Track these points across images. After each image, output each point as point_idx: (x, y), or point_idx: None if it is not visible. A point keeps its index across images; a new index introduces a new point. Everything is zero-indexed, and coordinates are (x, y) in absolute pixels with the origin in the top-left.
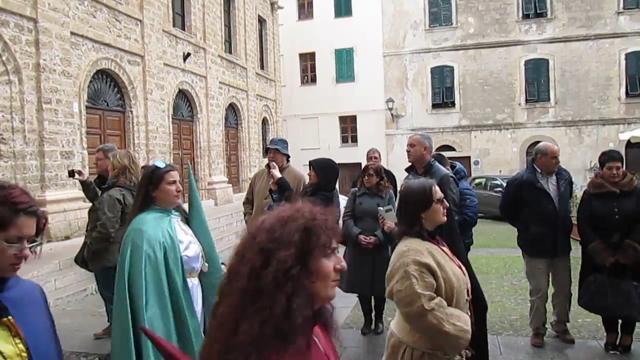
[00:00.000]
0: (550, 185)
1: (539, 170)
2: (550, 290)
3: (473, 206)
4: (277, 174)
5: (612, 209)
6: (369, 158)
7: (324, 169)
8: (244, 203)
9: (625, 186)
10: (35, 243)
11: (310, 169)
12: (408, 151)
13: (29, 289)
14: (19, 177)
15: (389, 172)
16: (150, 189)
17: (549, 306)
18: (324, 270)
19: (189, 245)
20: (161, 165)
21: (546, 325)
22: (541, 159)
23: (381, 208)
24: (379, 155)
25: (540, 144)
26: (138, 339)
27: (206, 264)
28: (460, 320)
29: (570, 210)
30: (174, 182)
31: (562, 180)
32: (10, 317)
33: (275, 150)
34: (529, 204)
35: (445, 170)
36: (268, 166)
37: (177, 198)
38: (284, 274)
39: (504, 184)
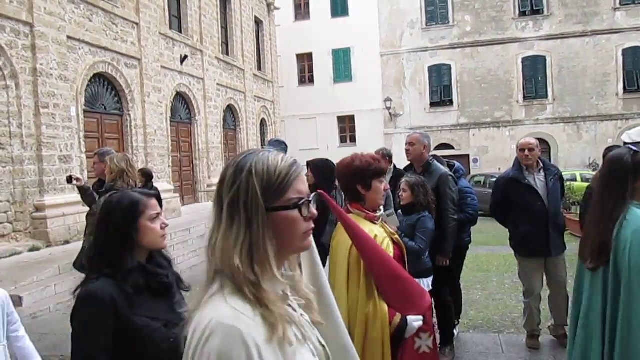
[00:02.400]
0: (538, 182)
1: (525, 167)
2: (546, 291)
3: (474, 204)
4: None
5: None
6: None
7: (321, 169)
8: None
9: None
10: None
11: (307, 169)
12: (407, 150)
13: None
14: (17, 182)
15: (401, 172)
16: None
17: (545, 308)
18: None
19: None
20: None
21: (540, 326)
22: (517, 154)
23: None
24: (389, 158)
25: None
26: None
27: None
28: None
29: (561, 207)
30: None
31: (550, 176)
32: None
33: None
34: (517, 202)
35: (443, 168)
36: None
37: None
38: None
39: None
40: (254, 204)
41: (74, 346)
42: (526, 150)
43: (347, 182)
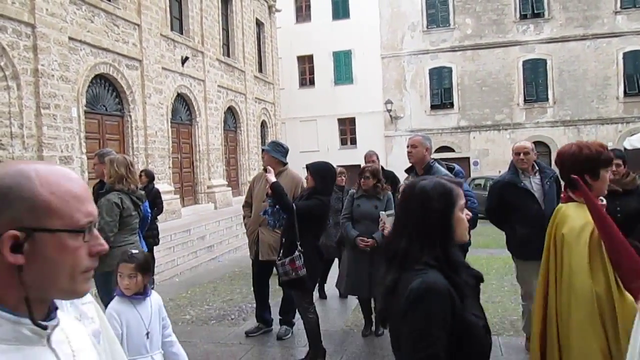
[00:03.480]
0: (534, 185)
1: (521, 171)
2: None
3: (474, 207)
4: (271, 178)
5: (614, 207)
6: (366, 161)
7: (320, 173)
8: (243, 206)
9: (627, 185)
10: None
11: (307, 172)
12: (409, 152)
13: None
14: None
15: (390, 173)
16: None
17: None
18: None
19: None
20: None
21: None
22: (513, 157)
23: (383, 212)
24: (377, 158)
25: None
26: None
27: None
28: None
29: None
30: None
31: (546, 179)
32: None
33: (265, 152)
34: (514, 205)
35: (445, 171)
36: (265, 169)
37: None
38: None
39: None
40: None
41: (413, 344)
42: (521, 154)
43: (573, 171)
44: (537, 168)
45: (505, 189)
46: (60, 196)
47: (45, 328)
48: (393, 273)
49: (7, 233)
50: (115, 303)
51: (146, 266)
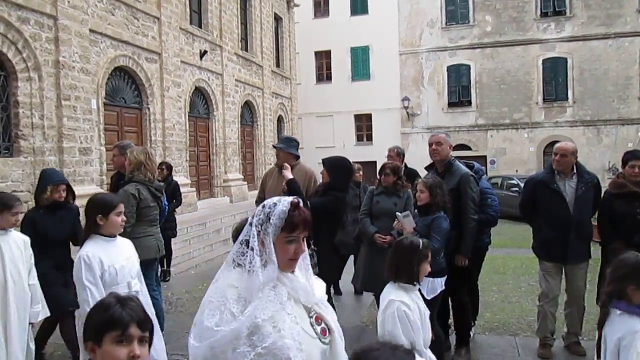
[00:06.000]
0: (568, 188)
1: (556, 172)
2: (563, 298)
3: (494, 205)
4: (288, 175)
5: (633, 209)
6: (388, 156)
7: (336, 168)
8: (256, 202)
9: None
10: None
11: (322, 167)
12: (435, 150)
13: None
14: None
15: (413, 171)
16: None
17: (560, 316)
18: None
19: None
20: None
21: (555, 335)
22: (552, 157)
23: (399, 213)
24: (397, 154)
25: None
26: None
27: None
28: None
29: (590, 215)
30: None
31: (582, 183)
32: None
33: (280, 150)
34: (543, 205)
35: (465, 168)
36: (277, 165)
37: None
38: None
39: (521, 184)
40: None
41: None
42: (558, 155)
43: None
44: (574, 171)
45: (537, 187)
46: None
47: None
48: None
49: None
50: None
51: None
